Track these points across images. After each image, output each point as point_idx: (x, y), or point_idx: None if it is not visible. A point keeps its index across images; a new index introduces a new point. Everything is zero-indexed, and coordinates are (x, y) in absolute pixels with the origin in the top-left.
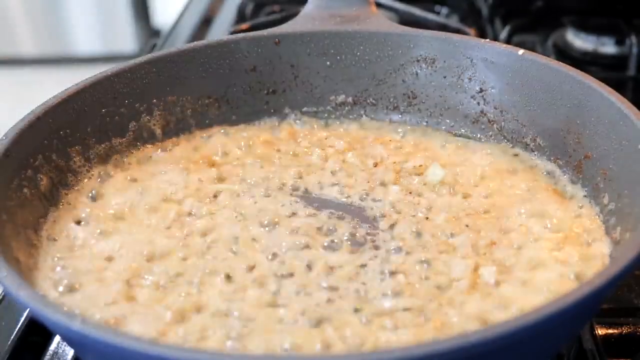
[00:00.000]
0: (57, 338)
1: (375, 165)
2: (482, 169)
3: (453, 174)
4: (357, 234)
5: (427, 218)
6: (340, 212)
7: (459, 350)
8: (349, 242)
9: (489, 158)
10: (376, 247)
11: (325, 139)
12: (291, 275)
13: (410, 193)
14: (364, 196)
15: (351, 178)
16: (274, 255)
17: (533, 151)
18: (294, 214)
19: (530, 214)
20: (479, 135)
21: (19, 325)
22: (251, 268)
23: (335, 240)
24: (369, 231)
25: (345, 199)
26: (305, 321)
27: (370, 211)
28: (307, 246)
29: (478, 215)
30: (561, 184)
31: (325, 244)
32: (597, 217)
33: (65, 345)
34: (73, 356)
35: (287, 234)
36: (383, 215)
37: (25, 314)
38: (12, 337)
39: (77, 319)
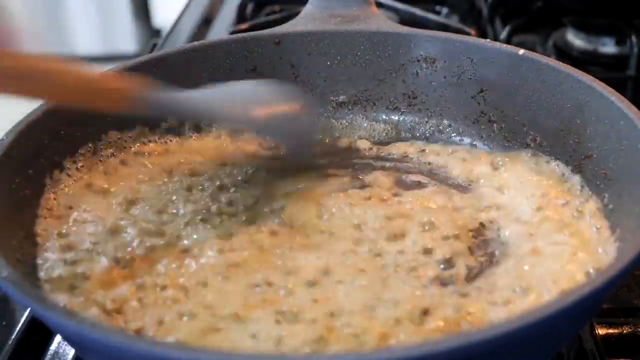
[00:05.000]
0: (57, 338)
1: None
2: (482, 169)
3: (454, 174)
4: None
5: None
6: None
7: (459, 350)
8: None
9: (489, 158)
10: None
11: (326, 140)
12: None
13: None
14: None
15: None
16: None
17: (533, 151)
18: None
19: (529, 214)
20: (479, 136)
21: (19, 325)
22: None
23: None
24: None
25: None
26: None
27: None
28: None
29: (477, 214)
30: (561, 183)
31: None
32: (598, 217)
33: (65, 345)
34: (73, 356)
35: None
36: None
37: (25, 314)
38: (12, 337)
39: (77, 319)
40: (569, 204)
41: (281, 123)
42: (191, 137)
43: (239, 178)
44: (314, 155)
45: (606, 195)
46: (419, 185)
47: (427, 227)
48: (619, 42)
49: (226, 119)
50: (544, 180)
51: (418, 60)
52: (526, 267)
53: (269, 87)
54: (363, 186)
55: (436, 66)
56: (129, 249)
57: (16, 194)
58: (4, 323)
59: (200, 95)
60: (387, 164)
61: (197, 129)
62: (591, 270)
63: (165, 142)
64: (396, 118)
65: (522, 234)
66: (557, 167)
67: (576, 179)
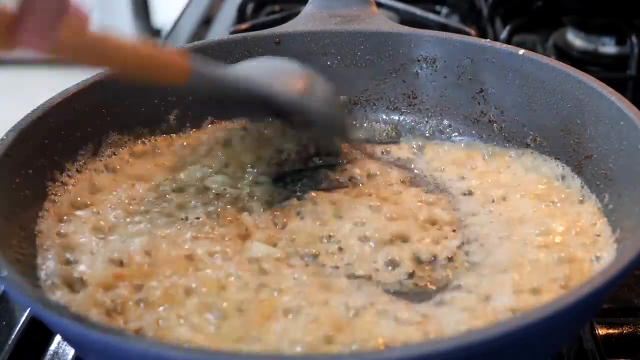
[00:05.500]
0: (57, 337)
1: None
2: (481, 168)
3: (455, 174)
4: None
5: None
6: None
7: (459, 350)
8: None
9: (490, 158)
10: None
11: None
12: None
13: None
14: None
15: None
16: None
17: (533, 151)
18: (296, 210)
19: (530, 213)
20: (479, 135)
21: (19, 325)
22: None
23: None
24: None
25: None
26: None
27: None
28: None
29: (477, 214)
30: (561, 183)
31: None
32: (598, 217)
33: (65, 345)
34: (73, 356)
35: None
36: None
37: (25, 314)
38: (12, 337)
39: (77, 319)
40: (569, 203)
41: (320, 96)
42: (190, 134)
43: (250, 179)
44: (344, 127)
45: (606, 195)
46: (419, 184)
47: (427, 226)
48: (619, 42)
49: (275, 95)
50: (544, 180)
51: (418, 60)
52: (526, 267)
53: (294, 64)
54: (363, 185)
55: (436, 66)
56: (129, 249)
57: (16, 194)
58: (4, 323)
59: (245, 72)
60: (387, 164)
61: (197, 124)
62: (590, 271)
63: (166, 142)
64: (396, 118)
65: (522, 233)
66: (557, 167)
67: (576, 178)
